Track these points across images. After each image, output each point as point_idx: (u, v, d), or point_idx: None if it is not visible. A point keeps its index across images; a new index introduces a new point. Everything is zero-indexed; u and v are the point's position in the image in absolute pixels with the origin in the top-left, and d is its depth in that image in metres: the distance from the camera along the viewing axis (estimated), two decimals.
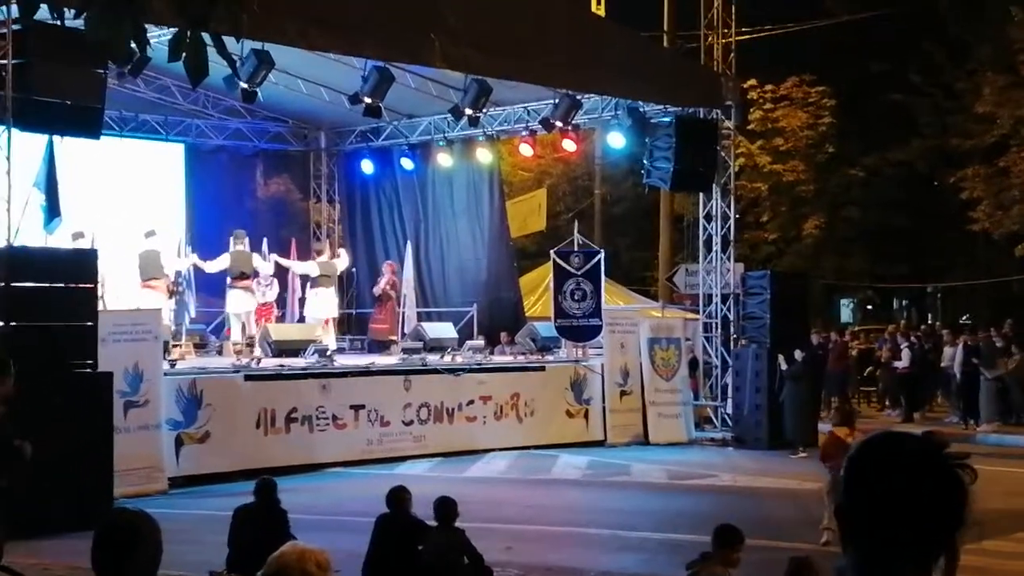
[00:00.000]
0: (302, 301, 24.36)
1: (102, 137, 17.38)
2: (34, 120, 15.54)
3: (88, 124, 16.06)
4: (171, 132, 25.15)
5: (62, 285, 14.96)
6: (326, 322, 23.42)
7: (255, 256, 23.02)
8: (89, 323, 15.04)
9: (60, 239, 18.12)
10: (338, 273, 23.99)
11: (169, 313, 21.22)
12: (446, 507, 10.36)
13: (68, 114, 15.51)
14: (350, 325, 26.70)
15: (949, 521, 2.38)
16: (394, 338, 24.39)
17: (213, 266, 22.53)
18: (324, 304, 23.35)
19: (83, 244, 19.39)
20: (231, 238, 22.63)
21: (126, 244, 21.29)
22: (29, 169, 16.77)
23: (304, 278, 24.44)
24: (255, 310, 23.04)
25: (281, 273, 24.25)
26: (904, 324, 33.61)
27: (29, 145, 16.55)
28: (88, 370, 14.94)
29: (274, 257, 23.92)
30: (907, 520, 2.36)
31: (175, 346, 20.39)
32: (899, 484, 2.38)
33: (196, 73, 4.53)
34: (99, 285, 16.23)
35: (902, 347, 27.01)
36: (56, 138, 16.83)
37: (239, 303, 22.45)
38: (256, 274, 23.04)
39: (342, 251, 25.03)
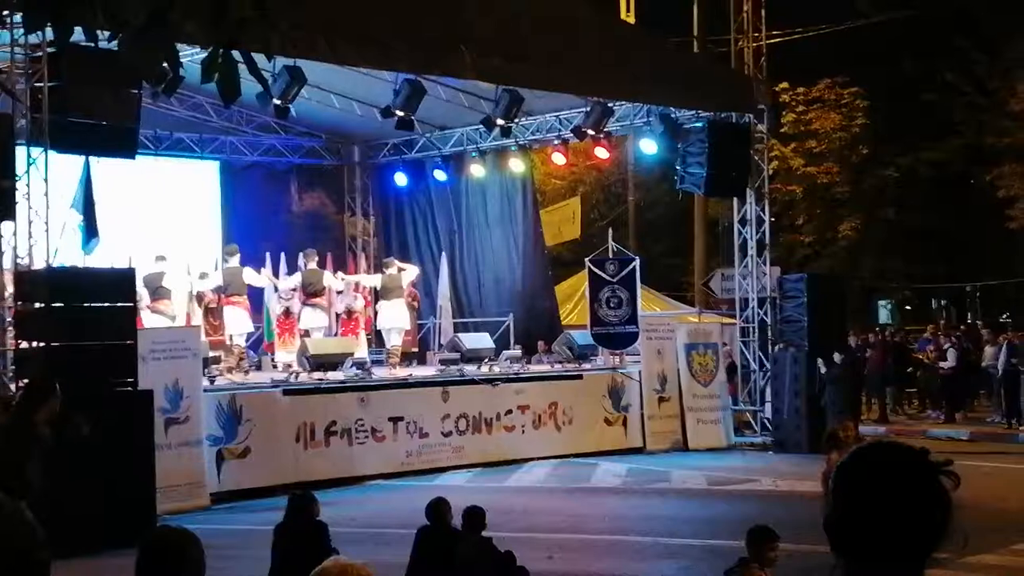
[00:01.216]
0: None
1: (138, 156, 17.53)
2: (70, 142, 15.70)
3: (124, 144, 16.20)
4: (206, 150, 25.32)
5: (102, 304, 15.09)
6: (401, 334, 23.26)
7: (326, 273, 23.02)
8: (129, 341, 15.16)
9: (140, 260, 18.39)
10: (405, 284, 23.56)
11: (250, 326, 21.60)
12: (473, 516, 10.39)
13: (104, 134, 15.65)
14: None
15: (933, 531, 2.38)
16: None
17: (286, 283, 22.62)
18: (396, 314, 23.06)
19: (164, 266, 19.73)
20: (301, 256, 22.65)
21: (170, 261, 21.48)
22: (66, 191, 16.92)
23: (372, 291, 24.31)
24: (340, 323, 23.12)
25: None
26: (944, 324, 33.36)
27: (66, 167, 16.70)
28: (129, 388, 15.06)
29: (340, 274, 23.93)
30: (895, 530, 2.37)
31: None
32: (886, 494, 2.38)
33: (228, 93, 4.58)
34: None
35: (945, 347, 26.81)
36: (92, 159, 16.97)
37: (312, 320, 22.46)
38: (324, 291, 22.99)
39: (408, 265, 24.45)
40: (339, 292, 23.50)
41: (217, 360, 20.17)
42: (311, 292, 22.40)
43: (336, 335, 23.03)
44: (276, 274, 23.15)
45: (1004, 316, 39.47)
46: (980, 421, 25.81)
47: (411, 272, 23.83)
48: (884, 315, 48.37)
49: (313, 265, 22.61)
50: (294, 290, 22.57)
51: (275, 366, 22.27)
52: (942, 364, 26.56)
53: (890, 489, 2.39)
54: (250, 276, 22.01)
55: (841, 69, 36.35)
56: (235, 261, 21.79)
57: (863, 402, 26.87)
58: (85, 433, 7.81)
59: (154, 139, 23.63)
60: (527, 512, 14.95)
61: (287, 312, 22.55)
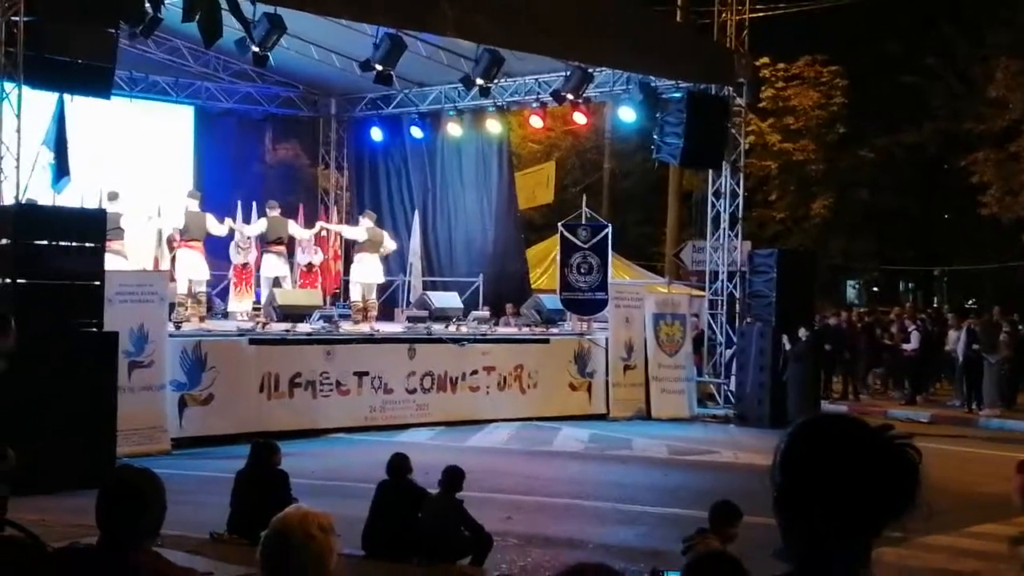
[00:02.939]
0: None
1: (112, 97, 17.36)
2: (44, 78, 15.52)
3: (99, 83, 16.01)
4: (181, 94, 25.12)
5: (69, 244, 14.96)
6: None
7: (291, 223, 22.92)
8: (96, 283, 15.05)
9: (79, 200, 18.09)
10: (383, 245, 23.45)
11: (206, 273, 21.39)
12: (453, 476, 10.40)
13: (79, 73, 15.46)
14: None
15: (895, 503, 2.35)
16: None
17: (251, 229, 22.45)
18: (369, 270, 23.02)
19: (117, 205, 19.47)
20: (266, 206, 22.54)
21: (138, 204, 21.28)
22: (39, 127, 16.76)
23: (349, 244, 24.19)
24: (299, 275, 23.06)
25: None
26: (910, 307, 33.55)
27: (39, 103, 16.53)
28: (94, 329, 14.96)
29: (320, 223, 23.76)
30: (847, 502, 2.32)
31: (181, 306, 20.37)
32: (839, 465, 2.33)
33: (209, 34, 4.54)
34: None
35: (910, 330, 26.96)
36: (66, 97, 16.80)
37: (273, 267, 22.36)
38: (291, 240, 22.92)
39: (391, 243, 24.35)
40: (302, 244, 23.32)
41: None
42: (274, 239, 22.31)
43: (295, 287, 22.95)
44: (248, 223, 22.92)
45: (970, 302, 39.75)
46: (941, 404, 26.00)
47: (390, 247, 23.78)
48: (852, 295, 48.68)
49: (276, 214, 22.52)
50: (256, 237, 22.42)
51: (227, 315, 22.07)
52: (905, 346, 26.72)
53: (842, 458, 2.35)
54: (212, 224, 21.79)
55: (822, 47, 36.34)
56: (196, 206, 21.59)
57: (832, 380, 27.06)
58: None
59: (129, 81, 23.44)
60: (488, 472, 14.96)
61: (244, 263, 22.36)
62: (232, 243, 22.31)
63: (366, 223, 23.09)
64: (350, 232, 24.16)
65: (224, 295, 22.92)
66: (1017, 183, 31.62)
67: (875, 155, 37.29)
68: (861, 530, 2.35)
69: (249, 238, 22.43)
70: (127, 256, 19.66)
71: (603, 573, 2.61)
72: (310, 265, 23.58)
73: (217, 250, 22.48)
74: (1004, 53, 32.21)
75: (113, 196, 19.89)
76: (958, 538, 12.41)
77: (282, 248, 22.57)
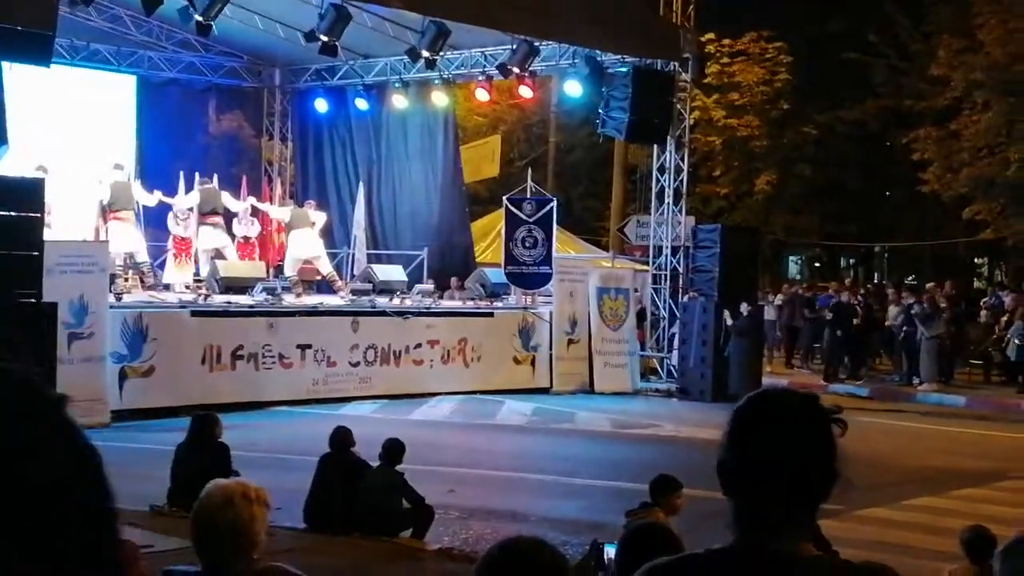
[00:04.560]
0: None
1: (52, 65, 17.12)
2: None
3: (38, 51, 15.81)
4: (123, 63, 24.78)
5: (8, 213, 14.78)
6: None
7: (224, 194, 22.78)
8: (35, 253, 14.88)
9: (20, 170, 17.82)
10: (312, 220, 23.49)
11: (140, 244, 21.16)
12: (393, 449, 10.41)
13: (18, 40, 15.26)
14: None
15: (823, 474, 2.41)
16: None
17: (184, 201, 22.23)
18: (306, 243, 23.02)
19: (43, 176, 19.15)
20: (196, 178, 22.38)
21: (78, 175, 21.02)
22: None
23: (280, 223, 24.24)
24: (236, 247, 22.93)
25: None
26: (850, 282, 33.82)
27: None
28: (32, 300, 14.80)
29: (251, 200, 23.66)
30: (781, 472, 2.39)
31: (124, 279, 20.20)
32: (774, 436, 2.41)
33: (151, 2, 4.48)
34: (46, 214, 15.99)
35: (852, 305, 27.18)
36: (5, 65, 16.55)
37: (211, 239, 22.20)
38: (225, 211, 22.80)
39: (320, 214, 24.39)
40: (236, 215, 23.22)
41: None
42: (208, 211, 22.17)
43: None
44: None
45: (910, 278, 40.16)
46: (879, 379, 26.29)
47: (320, 218, 23.82)
48: (794, 270, 49.07)
49: (209, 186, 22.38)
50: (191, 209, 22.24)
51: (166, 287, 21.88)
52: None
53: (782, 431, 2.41)
54: (140, 193, 21.55)
55: (767, 23, 36.45)
56: (123, 176, 21.34)
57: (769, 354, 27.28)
58: None
59: (70, 49, 23.10)
60: (430, 446, 14.97)
61: (184, 234, 22.16)
62: (170, 214, 22.12)
63: (296, 208, 23.31)
64: (276, 212, 24.33)
65: (163, 267, 22.74)
66: (957, 160, 31.91)
67: (818, 131, 37.51)
68: (798, 500, 2.40)
69: (189, 209, 22.25)
70: (51, 226, 19.42)
71: (534, 545, 2.63)
72: (246, 238, 23.46)
73: (155, 222, 22.30)
74: (946, 31, 32.47)
75: (41, 168, 19.48)
76: (893, 511, 12.59)
77: (218, 219, 22.47)
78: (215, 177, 22.92)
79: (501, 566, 2.58)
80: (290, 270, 23.07)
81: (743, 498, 2.44)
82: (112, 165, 21.62)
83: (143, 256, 21.58)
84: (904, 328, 25.26)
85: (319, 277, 24.46)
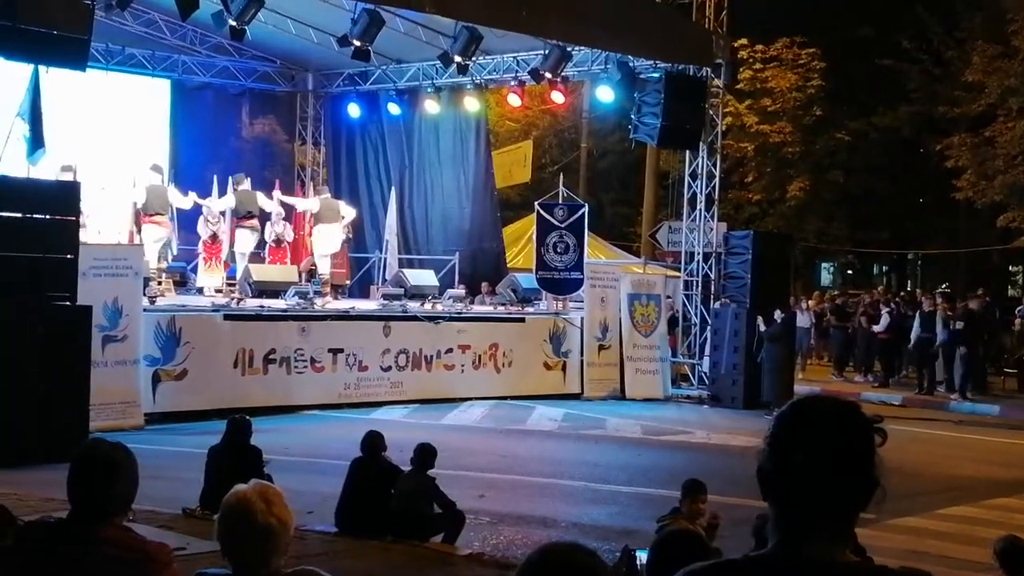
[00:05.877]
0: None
1: (88, 69, 17.24)
2: (19, 49, 15.42)
3: (74, 55, 15.91)
4: (157, 67, 24.93)
5: (43, 216, 14.88)
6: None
7: (259, 195, 22.84)
8: (69, 256, 14.97)
9: (46, 171, 17.95)
10: (342, 214, 23.54)
11: (171, 248, 21.23)
12: (424, 453, 10.41)
13: (54, 44, 15.36)
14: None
15: (862, 483, 2.41)
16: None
17: (218, 204, 22.33)
18: (330, 240, 23.08)
19: (70, 177, 19.24)
20: (231, 180, 22.44)
21: (113, 178, 21.12)
22: (13, 99, 16.64)
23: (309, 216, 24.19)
24: (268, 251, 22.99)
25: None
26: (883, 290, 33.66)
27: (14, 74, 16.41)
28: (67, 303, 14.89)
29: (277, 195, 23.68)
30: (821, 479, 2.40)
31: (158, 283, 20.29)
32: (815, 443, 2.42)
33: (186, 7, 4.51)
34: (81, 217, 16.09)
35: (882, 312, 27.04)
36: (42, 69, 16.67)
37: (247, 243, 22.28)
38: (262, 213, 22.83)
39: (350, 209, 24.38)
40: (270, 216, 23.24)
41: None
42: (244, 214, 22.23)
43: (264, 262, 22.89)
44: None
45: (943, 286, 39.92)
46: (911, 387, 26.11)
47: (350, 213, 23.83)
48: (826, 277, 48.86)
49: (246, 186, 22.44)
50: (223, 213, 22.30)
51: (199, 291, 21.95)
52: (875, 328, 26.80)
53: (824, 438, 2.40)
54: (175, 196, 21.65)
55: (800, 29, 36.34)
56: (158, 180, 21.44)
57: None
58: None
59: (105, 53, 23.25)
60: (461, 451, 14.98)
61: (214, 237, 22.15)
62: (200, 218, 22.18)
63: (325, 196, 23.24)
64: (303, 204, 24.27)
65: (195, 271, 22.83)
66: (991, 168, 31.71)
67: (851, 138, 37.35)
68: (838, 507, 2.41)
69: (221, 212, 22.32)
70: (86, 227, 19.56)
71: (574, 551, 2.62)
72: (278, 240, 23.43)
73: (188, 225, 22.40)
74: (979, 37, 32.29)
75: (67, 168, 19.67)
76: (926, 520, 12.50)
77: (255, 222, 22.48)
78: (248, 180, 22.92)
79: (541, 571, 2.58)
80: (323, 268, 23.11)
81: (783, 504, 2.44)
82: (150, 166, 21.74)
83: (174, 250, 21.69)
84: (918, 336, 24.97)
85: (348, 282, 24.50)
